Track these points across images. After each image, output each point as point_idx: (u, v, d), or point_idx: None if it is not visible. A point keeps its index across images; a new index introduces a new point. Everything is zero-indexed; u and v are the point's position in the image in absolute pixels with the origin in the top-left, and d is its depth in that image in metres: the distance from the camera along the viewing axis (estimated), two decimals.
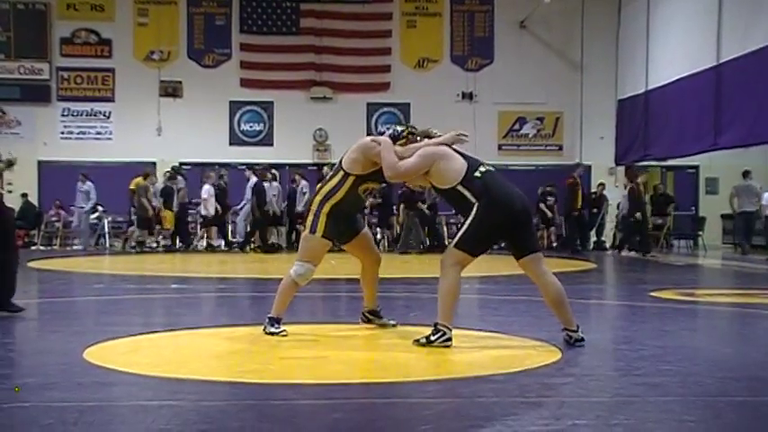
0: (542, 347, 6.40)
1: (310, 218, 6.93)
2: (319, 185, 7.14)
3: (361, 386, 5.22)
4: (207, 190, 20.58)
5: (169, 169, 21.40)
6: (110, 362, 5.75)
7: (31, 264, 15.91)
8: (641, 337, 7.25)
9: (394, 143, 6.75)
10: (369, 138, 7.09)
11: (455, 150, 6.66)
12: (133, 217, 20.99)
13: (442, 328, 6.32)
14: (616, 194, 22.32)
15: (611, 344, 7.25)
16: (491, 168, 6.61)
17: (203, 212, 20.97)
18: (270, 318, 6.95)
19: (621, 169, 23.05)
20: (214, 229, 21.34)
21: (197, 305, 10.35)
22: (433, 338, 6.31)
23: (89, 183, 21.52)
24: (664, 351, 6.49)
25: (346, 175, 6.85)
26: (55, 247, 21.78)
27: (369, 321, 7.43)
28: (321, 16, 23.59)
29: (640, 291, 11.72)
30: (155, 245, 21.00)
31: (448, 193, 6.57)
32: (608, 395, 5.08)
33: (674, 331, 7.86)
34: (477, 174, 6.45)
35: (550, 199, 21.64)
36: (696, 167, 23.58)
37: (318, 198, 6.94)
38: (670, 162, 22.11)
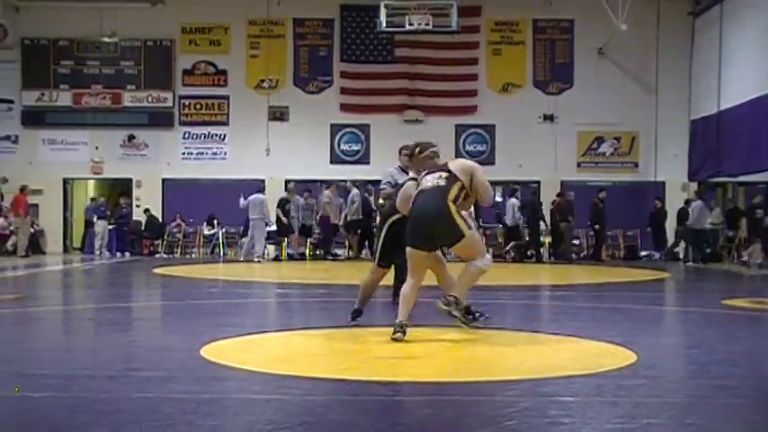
0: (618, 351, 6.27)
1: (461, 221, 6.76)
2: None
3: (450, 384, 5.20)
4: None
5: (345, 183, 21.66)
6: (224, 359, 5.84)
7: (156, 270, 16.29)
8: (713, 342, 7.07)
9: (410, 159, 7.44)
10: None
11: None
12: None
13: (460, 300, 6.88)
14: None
15: (684, 348, 7.08)
16: None
17: None
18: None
19: (694, 185, 22.63)
20: None
21: (300, 308, 10.45)
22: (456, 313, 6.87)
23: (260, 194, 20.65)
24: (734, 355, 6.31)
25: None
26: (176, 255, 22.29)
27: None
28: (414, 46, 23.62)
29: (713, 298, 11.41)
30: (339, 253, 21.36)
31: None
32: (681, 396, 4.96)
33: (745, 337, 7.64)
34: None
35: (759, 211, 19.98)
36: (766, 183, 22.83)
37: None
38: (741, 178, 21.53)
